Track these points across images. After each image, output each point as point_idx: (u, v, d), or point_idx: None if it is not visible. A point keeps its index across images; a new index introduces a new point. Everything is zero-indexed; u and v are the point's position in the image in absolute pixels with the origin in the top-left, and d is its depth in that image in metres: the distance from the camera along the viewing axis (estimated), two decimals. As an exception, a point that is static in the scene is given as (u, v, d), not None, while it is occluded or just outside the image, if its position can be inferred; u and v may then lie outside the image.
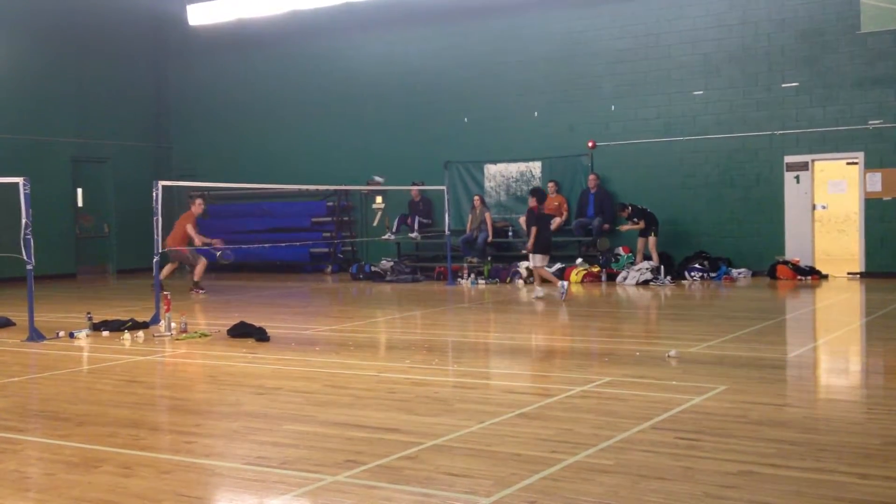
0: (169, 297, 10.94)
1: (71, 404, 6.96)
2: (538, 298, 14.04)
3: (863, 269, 16.74)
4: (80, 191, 22.12)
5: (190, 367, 8.86)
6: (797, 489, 4.46)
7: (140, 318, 11.52)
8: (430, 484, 4.67)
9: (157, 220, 12.03)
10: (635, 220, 17.43)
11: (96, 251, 22.32)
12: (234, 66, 22.93)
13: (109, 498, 4.58)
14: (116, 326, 10.99)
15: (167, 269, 16.59)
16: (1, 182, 11.73)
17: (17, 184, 10.51)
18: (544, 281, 14.83)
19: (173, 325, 10.68)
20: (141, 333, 10.64)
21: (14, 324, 11.76)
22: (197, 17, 22.35)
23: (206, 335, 10.49)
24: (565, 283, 14.04)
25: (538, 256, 14.42)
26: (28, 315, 10.61)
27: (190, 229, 16.32)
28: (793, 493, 4.40)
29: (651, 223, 17.28)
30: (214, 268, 22.68)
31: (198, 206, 16.69)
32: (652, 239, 17.19)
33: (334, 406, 6.62)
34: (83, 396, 7.30)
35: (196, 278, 16.48)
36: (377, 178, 18.61)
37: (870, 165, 16.63)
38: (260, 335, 10.11)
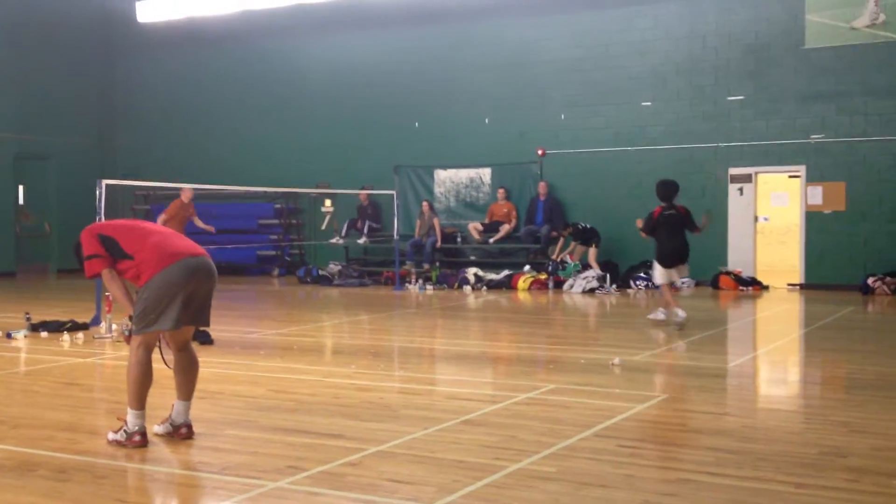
0: (110, 297, 10.75)
1: (6, 406, 6.80)
2: (660, 321, 11.76)
3: (803, 281, 17.07)
4: (21, 188, 21.69)
5: (131, 369, 8.70)
6: (734, 497, 4.52)
7: (80, 320, 11.31)
8: (373, 490, 4.65)
9: (100, 219, 11.83)
10: (575, 240, 17.67)
11: (37, 250, 21.87)
12: (184, 64, 22.66)
13: (44, 502, 4.48)
14: (56, 327, 10.78)
15: None
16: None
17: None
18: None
19: (114, 326, 10.51)
20: (81, 335, 10.45)
21: (-51, 323, 11.51)
22: (146, 14, 22.07)
23: (148, 337, 10.32)
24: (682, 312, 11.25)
25: (657, 269, 11.93)
26: (-36, 314, 10.38)
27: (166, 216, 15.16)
28: (730, 501, 4.46)
29: (591, 236, 17.52)
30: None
31: (187, 194, 15.45)
32: (592, 250, 17.40)
33: (277, 411, 6.56)
34: (19, 399, 7.15)
35: None
36: None
37: (811, 179, 16.96)
38: (203, 338, 9.95)
